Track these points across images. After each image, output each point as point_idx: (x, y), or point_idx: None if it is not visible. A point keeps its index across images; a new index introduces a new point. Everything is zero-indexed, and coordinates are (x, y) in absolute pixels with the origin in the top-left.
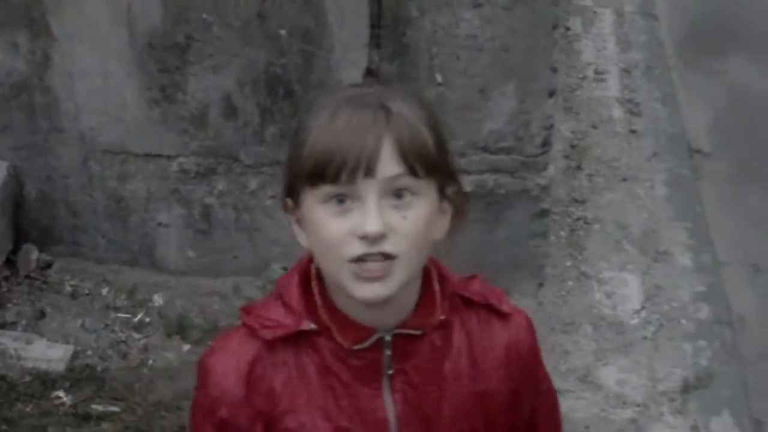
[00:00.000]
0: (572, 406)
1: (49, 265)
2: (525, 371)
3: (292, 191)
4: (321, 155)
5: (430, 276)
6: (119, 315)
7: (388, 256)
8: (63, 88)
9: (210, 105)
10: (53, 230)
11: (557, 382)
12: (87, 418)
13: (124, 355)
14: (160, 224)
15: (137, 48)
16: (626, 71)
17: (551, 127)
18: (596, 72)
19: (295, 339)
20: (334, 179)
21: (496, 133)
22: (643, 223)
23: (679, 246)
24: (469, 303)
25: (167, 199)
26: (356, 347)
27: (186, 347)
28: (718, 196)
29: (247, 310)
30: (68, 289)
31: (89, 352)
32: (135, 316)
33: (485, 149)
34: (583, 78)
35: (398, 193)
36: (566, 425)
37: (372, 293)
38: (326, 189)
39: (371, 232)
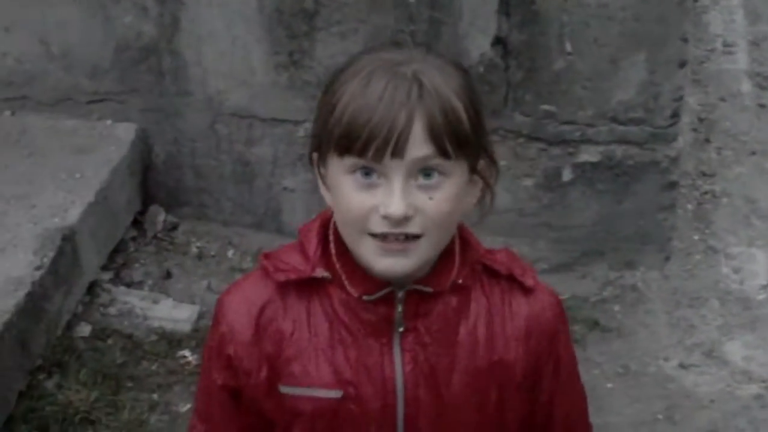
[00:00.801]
0: (696, 381)
1: (175, 227)
2: (545, 349)
3: (319, 151)
4: (349, 127)
5: (452, 241)
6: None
7: (411, 236)
8: (191, 51)
9: None
10: (180, 192)
11: (682, 357)
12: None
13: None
14: (285, 189)
15: (265, 13)
16: (755, 44)
17: (681, 98)
18: (724, 44)
19: (309, 286)
20: (361, 153)
21: (625, 104)
22: None
23: None
24: (492, 273)
25: (293, 164)
26: (366, 298)
27: None
28: None
29: (266, 254)
30: (194, 250)
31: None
32: None
33: (614, 120)
34: (712, 50)
35: (427, 172)
36: (690, 400)
37: (391, 268)
38: (353, 161)
39: (394, 215)
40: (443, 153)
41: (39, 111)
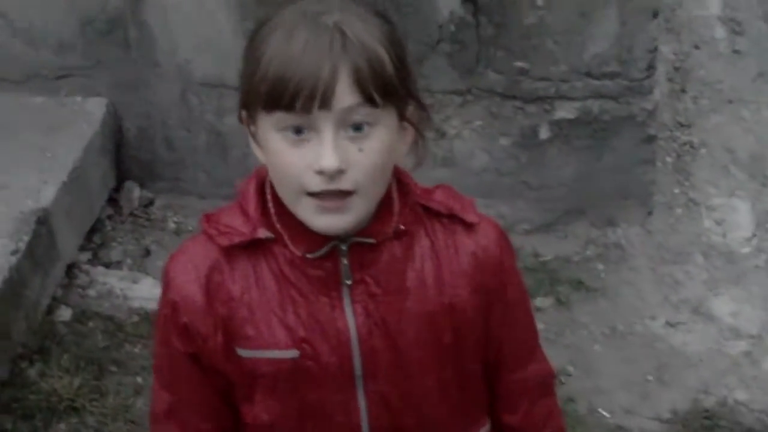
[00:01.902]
0: (684, 339)
1: (151, 202)
2: (492, 283)
3: (248, 108)
4: (275, 81)
5: (389, 188)
6: None
7: (346, 193)
8: (157, 21)
9: None
10: (154, 167)
11: (669, 314)
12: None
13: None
14: None
15: None
16: None
17: (655, 49)
18: None
19: (253, 247)
20: (289, 108)
21: (599, 58)
22: (751, 146)
23: None
24: (433, 213)
25: None
26: (309, 255)
27: None
28: None
29: (207, 217)
30: (172, 225)
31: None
32: None
33: (588, 74)
34: None
35: (356, 125)
36: (679, 358)
37: (331, 226)
38: (281, 116)
39: (327, 169)
40: (370, 101)
41: (5, 89)
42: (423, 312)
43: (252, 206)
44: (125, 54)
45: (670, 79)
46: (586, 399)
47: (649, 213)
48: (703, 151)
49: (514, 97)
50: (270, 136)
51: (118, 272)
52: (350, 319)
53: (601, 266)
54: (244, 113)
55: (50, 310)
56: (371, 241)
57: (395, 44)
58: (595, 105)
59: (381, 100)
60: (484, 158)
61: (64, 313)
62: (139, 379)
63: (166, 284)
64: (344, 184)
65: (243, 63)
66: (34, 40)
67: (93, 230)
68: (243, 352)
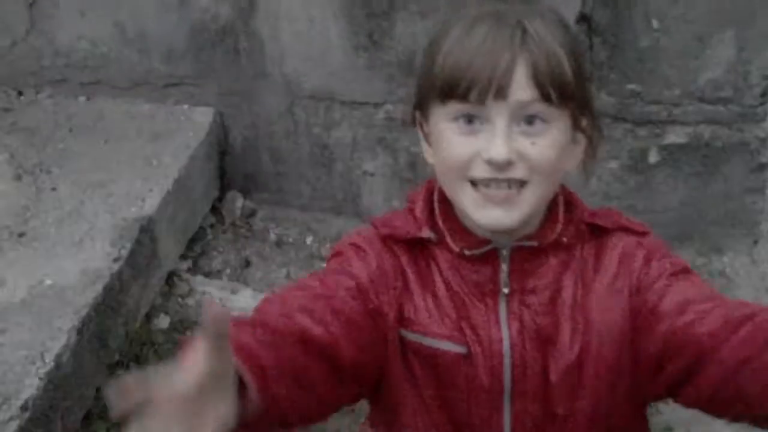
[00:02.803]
0: None
1: (253, 213)
2: (636, 286)
3: (422, 105)
4: (452, 71)
5: (556, 202)
6: (324, 264)
7: (514, 183)
8: (268, 32)
9: (417, 51)
10: (258, 177)
11: None
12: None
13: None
14: (365, 172)
15: None
16: None
17: None
18: None
19: (418, 247)
20: (464, 97)
21: (713, 83)
22: None
23: None
24: (600, 230)
25: (373, 148)
26: (468, 252)
27: None
28: None
29: (375, 219)
30: (273, 237)
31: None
32: None
33: (702, 99)
34: None
35: (529, 119)
36: None
37: (494, 219)
38: (455, 106)
39: (497, 158)
40: (546, 98)
41: (114, 96)
42: (574, 327)
43: (419, 209)
44: (234, 64)
45: None
46: (684, 428)
47: (756, 242)
48: None
49: (625, 120)
50: (442, 126)
51: (217, 282)
52: (504, 327)
53: None
54: (417, 114)
55: (148, 318)
56: (534, 244)
57: (575, 52)
58: (706, 130)
59: (557, 99)
60: (592, 181)
61: (163, 322)
62: None
63: (345, 241)
64: (516, 172)
65: (422, 62)
66: (145, 48)
67: (194, 239)
68: (410, 335)
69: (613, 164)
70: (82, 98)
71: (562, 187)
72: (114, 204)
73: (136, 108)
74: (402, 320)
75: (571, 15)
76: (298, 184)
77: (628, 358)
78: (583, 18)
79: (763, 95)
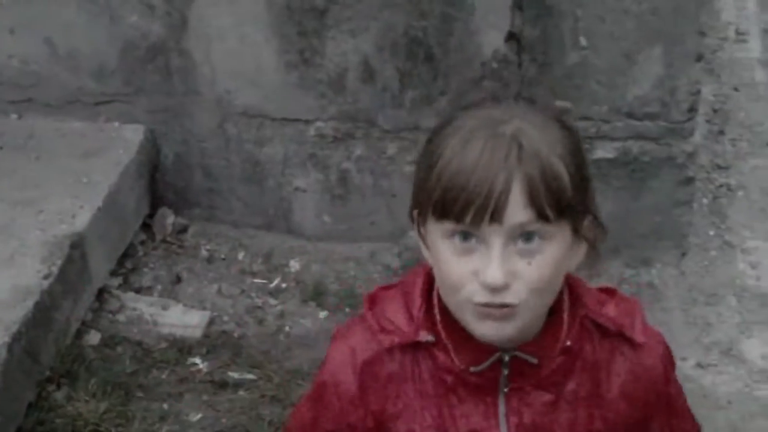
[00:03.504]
0: (714, 380)
1: (185, 229)
2: (653, 400)
3: (419, 211)
4: (446, 191)
5: (561, 299)
6: (255, 280)
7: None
8: (199, 50)
9: (348, 69)
10: (189, 194)
11: (700, 356)
12: (223, 385)
13: (261, 322)
14: (296, 189)
15: (275, 10)
16: (767, 31)
17: (698, 92)
18: (737, 32)
19: (414, 346)
20: (459, 219)
21: (641, 99)
22: None
23: None
24: (602, 329)
25: (304, 164)
26: (473, 369)
27: (322, 314)
28: None
29: (371, 300)
30: (204, 253)
31: (225, 318)
32: (271, 281)
33: (630, 115)
34: (724, 38)
35: (527, 236)
36: (708, 400)
37: (492, 333)
38: (450, 226)
39: (493, 283)
40: (543, 218)
41: (45, 114)
42: (573, 419)
43: (416, 306)
44: (166, 82)
45: (708, 121)
46: None
47: (683, 254)
48: (740, 193)
49: None
50: (438, 242)
51: (148, 298)
52: (503, 427)
53: None
54: (416, 213)
55: (79, 334)
56: (533, 360)
57: (575, 155)
58: (635, 146)
59: (554, 216)
60: None
61: (93, 338)
62: (165, 406)
63: (325, 361)
64: (508, 297)
65: (419, 162)
66: (76, 66)
67: (125, 255)
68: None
69: None
70: (13, 116)
71: (568, 277)
72: (44, 221)
73: (67, 125)
74: (385, 418)
75: (500, 33)
76: (230, 200)
77: None
78: (512, 36)
79: (690, 111)
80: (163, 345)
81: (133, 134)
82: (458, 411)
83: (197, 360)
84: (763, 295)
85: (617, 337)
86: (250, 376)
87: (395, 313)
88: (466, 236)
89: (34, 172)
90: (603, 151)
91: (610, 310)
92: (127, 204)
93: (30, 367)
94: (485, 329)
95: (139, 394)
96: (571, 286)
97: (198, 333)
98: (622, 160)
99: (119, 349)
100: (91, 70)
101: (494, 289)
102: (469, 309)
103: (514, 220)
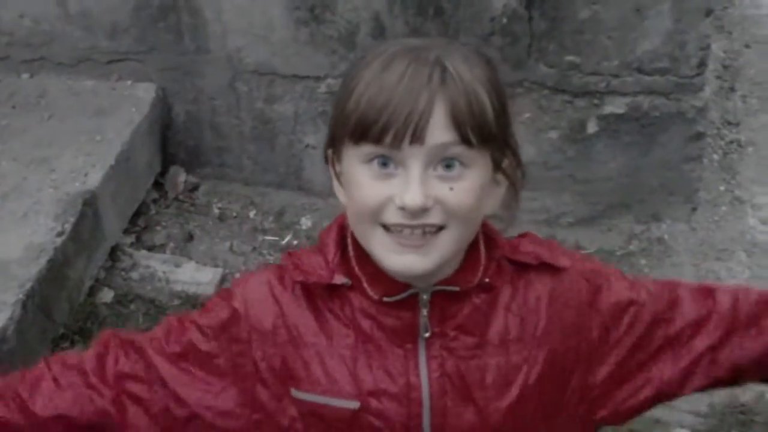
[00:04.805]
0: None
1: (196, 187)
2: (587, 319)
3: (334, 144)
4: (366, 112)
5: (476, 239)
6: (267, 238)
7: (429, 229)
8: (210, 8)
9: (359, 24)
10: (200, 152)
11: None
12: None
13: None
14: (307, 146)
15: None
16: None
17: (708, 47)
18: None
19: (330, 292)
20: (378, 140)
21: (651, 54)
22: None
23: None
24: (520, 266)
25: (315, 121)
26: (387, 299)
27: None
28: None
29: (290, 253)
30: (216, 211)
31: (237, 275)
32: (282, 238)
33: (639, 70)
34: None
35: (447, 163)
36: None
37: (408, 266)
38: (369, 149)
39: (411, 206)
40: (465, 141)
41: (58, 72)
42: (506, 368)
43: (331, 252)
44: (177, 40)
45: (719, 77)
46: None
47: (694, 209)
48: (750, 149)
49: (564, 91)
50: (354, 168)
51: (161, 256)
52: (424, 374)
53: (643, 261)
54: (330, 152)
55: (92, 292)
56: (455, 288)
57: (497, 89)
58: (644, 101)
59: (477, 141)
60: (532, 151)
61: (106, 295)
62: None
63: (231, 293)
64: (432, 218)
65: (336, 95)
66: (88, 25)
67: (137, 214)
68: (299, 394)
69: (553, 134)
70: (25, 75)
71: (483, 224)
72: (57, 179)
73: (80, 84)
74: (290, 379)
75: None
76: (241, 159)
77: (571, 382)
78: None
79: (699, 66)
80: (176, 302)
81: (145, 93)
82: (376, 361)
83: None
84: None
85: (539, 268)
86: None
87: (310, 261)
88: (384, 162)
89: (47, 131)
90: (613, 107)
91: (527, 246)
92: (139, 162)
93: (44, 324)
94: (405, 261)
95: None
96: (486, 231)
97: (210, 290)
98: (632, 115)
99: (132, 306)
100: (103, 29)
101: (414, 213)
102: (383, 240)
103: (435, 140)
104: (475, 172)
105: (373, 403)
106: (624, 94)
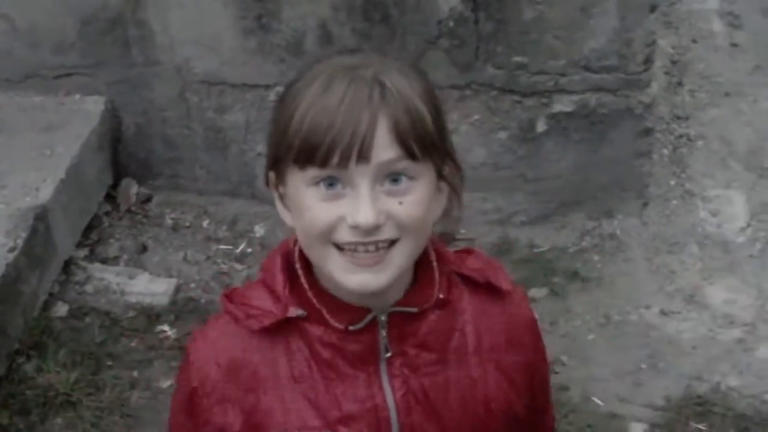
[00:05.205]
0: (678, 327)
1: (149, 199)
2: (530, 347)
3: (277, 167)
4: (310, 135)
5: (427, 254)
6: (221, 246)
7: (383, 244)
8: (157, 20)
9: (306, 32)
10: (152, 164)
11: (663, 304)
12: None
13: (227, 287)
14: (259, 154)
15: None
16: None
17: (653, 43)
18: None
19: (283, 327)
20: (324, 163)
21: (597, 52)
22: (748, 138)
23: None
24: (468, 281)
25: (266, 129)
26: (351, 328)
27: None
28: None
29: (229, 296)
30: (169, 222)
31: (192, 285)
32: (237, 247)
33: (587, 68)
34: None
35: (394, 178)
36: (673, 347)
37: (365, 284)
38: (315, 172)
39: (364, 224)
40: (410, 155)
41: (5, 89)
42: (467, 379)
43: (280, 284)
44: (125, 53)
45: (667, 73)
46: (580, 387)
47: (645, 204)
48: (699, 143)
49: (512, 92)
50: (301, 191)
51: (115, 268)
52: (389, 394)
53: (596, 257)
54: (272, 175)
55: (47, 306)
56: (413, 310)
57: (433, 100)
58: (592, 98)
59: (420, 154)
60: (482, 152)
61: (61, 309)
62: (135, 373)
63: (186, 363)
64: (384, 234)
65: (273, 120)
66: (35, 41)
67: (90, 227)
68: None
69: (502, 134)
70: None
71: (431, 240)
72: (8, 195)
73: (28, 100)
74: (258, 428)
75: None
76: (193, 169)
77: (520, 401)
78: None
79: (646, 62)
80: (131, 314)
81: (94, 106)
82: (339, 388)
83: (165, 327)
84: (725, 242)
85: (485, 287)
86: None
87: (258, 299)
88: (331, 182)
89: None
90: (561, 105)
91: (473, 262)
92: (90, 175)
93: None
94: (359, 280)
95: (109, 362)
96: (434, 244)
97: (165, 300)
98: (581, 113)
99: (87, 319)
100: (50, 44)
101: (367, 231)
102: (337, 261)
103: (381, 158)
104: (422, 183)
105: (344, 430)
106: (572, 93)
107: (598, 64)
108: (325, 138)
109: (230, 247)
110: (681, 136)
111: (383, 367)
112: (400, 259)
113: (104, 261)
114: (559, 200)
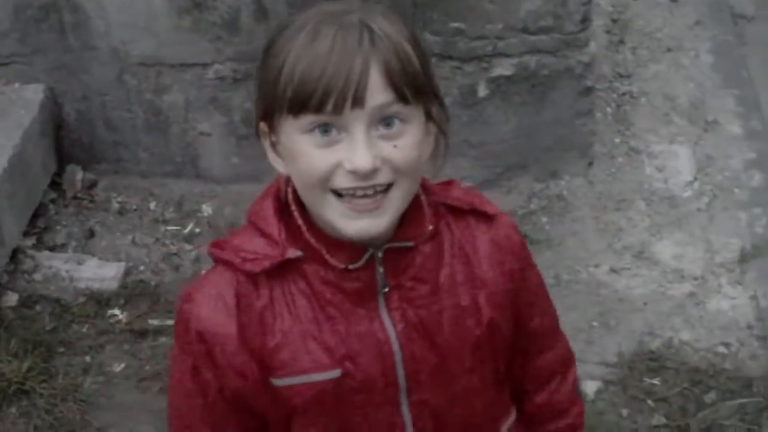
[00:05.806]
0: (629, 284)
1: (94, 184)
2: (517, 269)
3: (268, 117)
4: (303, 83)
5: (417, 194)
6: (169, 228)
7: (380, 188)
8: (91, 4)
9: (240, 9)
10: (95, 149)
11: (613, 261)
12: (144, 333)
13: (177, 268)
14: (201, 133)
15: None
16: None
17: (589, 2)
18: None
19: (281, 270)
20: (319, 109)
21: (533, 14)
22: (690, 93)
23: (727, 114)
24: (453, 210)
25: (206, 108)
26: (352, 266)
27: None
28: (763, 61)
29: (220, 245)
30: (115, 206)
31: (141, 268)
32: (185, 227)
33: (524, 30)
34: None
35: (387, 121)
36: (624, 303)
37: (365, 230)
38: (309, 118)
39: (362, 169)
40: (402, 98)
41: None
42: (458, 308)
43: (275, 228)
44: (61, 39)
45: (608, 31)
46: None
47: (590, 164)
48: (642, 100)
49: (451, 58)
50: (295, 139)
51: (63, 255)
52: (389, 327)
53: (545, 219)
54: (262, 125)
55: None
56: (409, 244)
57: (417, 41)
58: (532, 60)
59: (412, 96)
60: None
61: (11, 299)
62: (87, 359)
63: (187, 319)
64: (381, 178)
65: (261, 70)
66: None
67: (36, 215)
68: (279, 382)
69: (445, 101)
70: None
71: None
72: None
73: None
74: (268, 370)
75: None
76: (136, 151)
77: (507, 323)
78: None
79: (583, 21)
80: (81, 299)
81: (33, 94)
82: (342, 325)
83: (116, 311)
84: (672, 197)
85: (470, 213)
86: (170, 323)
87: (252, 245)
88: (326, 129)
89: None
90: (501, 69)
91: (457, 192)
92: (33, 164)
93: None
94: (360, 226)
95: (61, 349)
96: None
97: (115, 285)
98: (521, 75)
99: (38, 307)
100: None
101: (365, 175)
102: (336, 207)
103: (375, 101)
104: (414, 126)
105: (350, 366)
106: (511, 56)
107: (535, 26)
108: (319, 84)
109: (178, 227)
110: (624, 93)
111: (382, 302)
112: (398, 201)
113: (52, 248)
114: (504, 164)
